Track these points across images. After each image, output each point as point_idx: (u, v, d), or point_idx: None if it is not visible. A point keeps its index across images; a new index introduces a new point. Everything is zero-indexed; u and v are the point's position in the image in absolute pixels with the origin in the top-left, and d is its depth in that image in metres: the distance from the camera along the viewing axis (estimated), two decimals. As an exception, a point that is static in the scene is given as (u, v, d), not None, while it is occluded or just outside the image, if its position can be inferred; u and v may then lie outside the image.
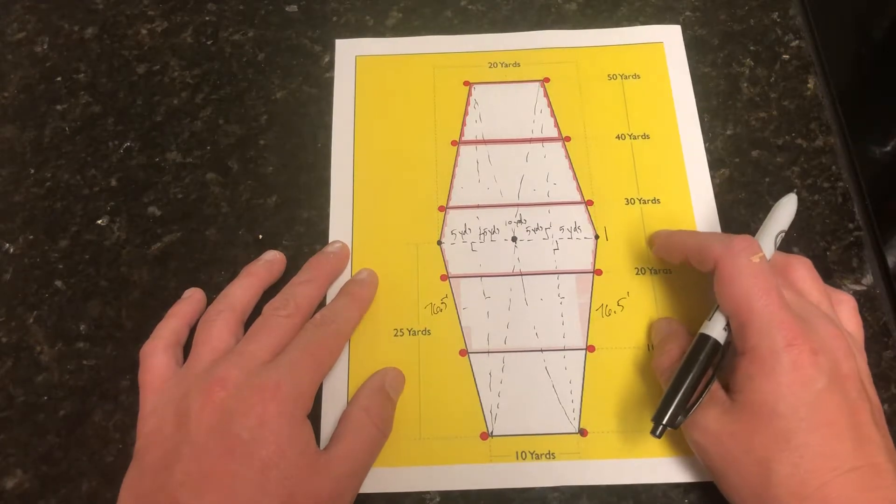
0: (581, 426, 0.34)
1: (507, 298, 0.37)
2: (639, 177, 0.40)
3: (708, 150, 0.40)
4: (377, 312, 0.37)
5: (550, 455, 0.34)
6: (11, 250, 0.39)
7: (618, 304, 0.37)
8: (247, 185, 0.40)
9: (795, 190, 0.39)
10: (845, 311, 0.33)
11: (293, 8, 0.45)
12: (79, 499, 0.34)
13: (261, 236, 0.39)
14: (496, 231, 0.39)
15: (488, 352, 0.36)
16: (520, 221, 0.39)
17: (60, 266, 0.39)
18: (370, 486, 0.33)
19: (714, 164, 0.40)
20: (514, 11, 0.45)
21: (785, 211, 0.34)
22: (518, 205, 0.39)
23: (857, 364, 0.29)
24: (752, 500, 0.28)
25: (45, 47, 0.45)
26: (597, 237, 0.38)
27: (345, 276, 0.38)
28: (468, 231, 0.39)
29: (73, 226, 0.40)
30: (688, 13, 0.44)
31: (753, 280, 0.29)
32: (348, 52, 0.44)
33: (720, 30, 0.44)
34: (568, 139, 0.41)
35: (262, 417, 0.29)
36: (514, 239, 0.39)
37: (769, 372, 0.28)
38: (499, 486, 0.33)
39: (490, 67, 0.43)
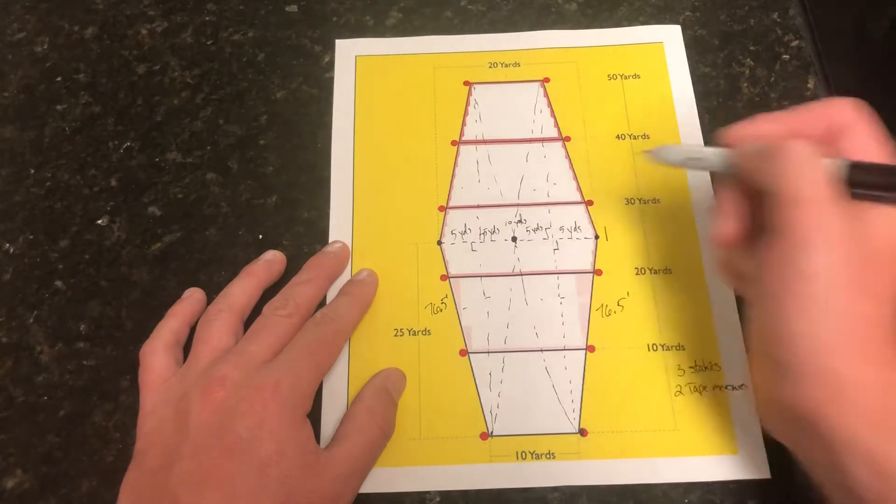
0: (581, 426, 0.34)
1: (507, 298, 0.37)
2: (639, 177, 0.40)
3: (708, 150, 0.40)
4: (377, 312, 0.37)
5: (550, 455, 0.34)
6: (11, 250, 0.39)
7: (618, 304, 0.37)
8: (247, 185, 0.40)
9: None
10: None
11: (293, 8, 0.45)
12: (79, 499, 0.34)
13: (261, 236, 0.39)
14: (496, 231, 0.39)
15: (488, 352, 0.36)
16: (520, 221, 0.39)
17: (60, 266, 0.39)
18: (370, 486, 0.33)
19: (714, 164, 0.40)
20: (514, 11, 0.45)
21: None
22: (518, 205, 0.39)
23: None
24: (840, 338, 0.26)
25: (45, 47, 0.45)
26: (597, 237, 0.38)
27: (345, 276, 0.38)
28: (468, 231, 0.39)
29: (73, 226, 0.40)
30: (688, 13, 0.44)
31: None
32: (348, 52, 0.44)
33: (720, 30, 0.44)
34: (568, 139, 0.41)
35: (262, 417, 0.29)
36: (514, 239, 0.39)
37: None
38: (499, 486, 0.33)
39: (490, 67, 0.43)
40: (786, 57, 0.43)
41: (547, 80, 0.42)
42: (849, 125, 0.29)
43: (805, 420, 0.26)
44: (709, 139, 0.41)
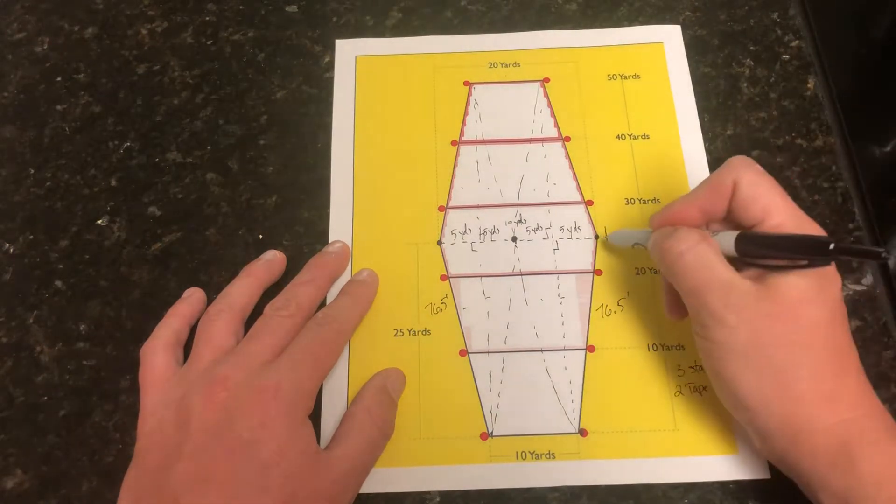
0: (581, 426, 0.34)
1: (507, 298, 0.37)
2: (639, 177, 0.40)
3: (708, 150, 0.40)
4: (377, 312, 0.37)
5: (550, 455, 0.34)
6: (11, 250, 0.39)
7: (618, 304, 0.37)
8: (247, 185, 0.40)
9: (795, 190, 0.39)
10: None
11: (293, 8, 0.45)
12: (79, 499, 0.34)
13: (261, 236, 0.39)
14: (496, 231, 0.39)
15: (488, 352, 0.36)
16: (520, 221, 0.39)
17: (60, 266, 0.39)
18: (370, 486, 0.33)
19: (714, 164, 0.40)
20: (514, 11, 0.45)
21: None
22: (518, 205, 0.39)
23: None
24: (773, 391, 0.28)
25: (45, 47, 0.45)
26: (597, 237, 0.38)
27: (345, 277, 0.38)
28: (468, 231, 0.39)
29: (73, 226, 0.40)
30: (688, 13, 0.44)
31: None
32: (348, 52, 0.44)
33: (720, 30, 0.44)
34: (568, 139, 0.41)
35: (264, 418, 0.29)
36: (514, 239, 0.39)
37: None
38: (499, 486, 0.33)
39: (490, 67, 0.43)
40: (786, 57, 0.43)
41: (547, 80, 0.42)
42: (738, 182, 0.30)
43: (780, 462, 0.30)
44: (708, 139, 0.41)
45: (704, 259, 0.30)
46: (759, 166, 0.31)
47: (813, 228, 0.30)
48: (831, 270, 0.29)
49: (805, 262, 0.28)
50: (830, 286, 0.29)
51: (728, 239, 0.30)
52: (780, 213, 0.30)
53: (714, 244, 0.30)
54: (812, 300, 0.28)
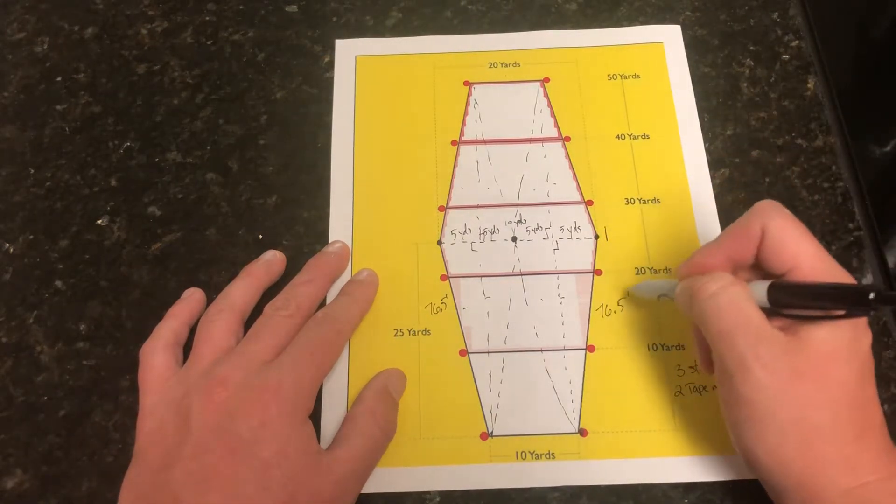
0: (581, 426, 0.34)
1: (507, 298, 0.37)
2: (639, 177, 0.40)
3: (708, 150, 0.40)
4: (377, 312, 0.37)
5: (550, 455, 0.34)
6: (11, 250, 0.39)
7: (618, 304, 0.37)
8: (247, 185, 0.40)
9: (795, 190, 0.39)
10: None
11: (293, 8, 0.45)
12: (79, 499, 0.34)
13: (261, 236, 0.39)
14: (496, 231, 0.39)
15: (488, 352, 0.36)
16: (520, 221, 0.39)
17: (60, 266, 0.39)
18: (370, 486, 0.33)
19: (714, 164, 0.40)
20: (514, 11, 0.45)
21: None
22: (518, 205, 0.39)
23: None
24: (793, 452, 0.27)
25: (45, 47, 0.45)
26: (597, 237, 0.38)
27: (345, 276, 0.38)
28: (468, 231, 0.39)
29: (73, 226, 0.40)
30: (688, 13, 0.44)
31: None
32: (348, 52, 0.44)
33: (720, 30, 0.44)
34: (568, 139, 0.41)
35: (264, 418, 0.29)
36: (514, 239, 0.39)
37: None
38: (499, 486, 0.33)
39: (490, 67, 0.43)
40: (786, 57, 0.43)
41: (547, 80, 0.42)
42: (766, 228, 0.29)
43: None
44: (708, 139, 0.41)
45: (737, 300, 0.28)
46: (787, 210, 0.30)
47: (844, 275, 0.29)
48: (863, 323, 0.28)
49: (842, 313, 0.27)
50: (862, 340, 0.28)
51: (759, 289, 0.29)
52: (811, 260, 0.28)
53: (747, 288, 0.29)
54: (843, 357, 0.27)
